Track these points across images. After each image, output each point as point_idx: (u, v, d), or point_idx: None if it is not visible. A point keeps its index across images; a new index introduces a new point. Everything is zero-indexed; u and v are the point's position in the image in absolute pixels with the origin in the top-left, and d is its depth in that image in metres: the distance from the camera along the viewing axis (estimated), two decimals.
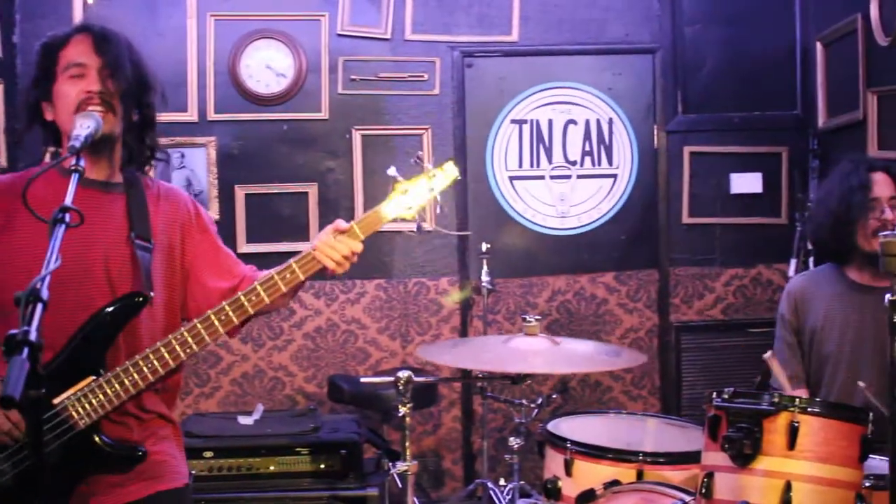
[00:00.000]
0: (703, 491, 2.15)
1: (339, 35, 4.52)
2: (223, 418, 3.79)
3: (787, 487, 2.04)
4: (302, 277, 2.18)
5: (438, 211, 2.60)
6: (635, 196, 4.74)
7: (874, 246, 2.36)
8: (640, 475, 2.58)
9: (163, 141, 4.03)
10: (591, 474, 2.62)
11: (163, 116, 4.12)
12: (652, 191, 4.75)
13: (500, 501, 3.98)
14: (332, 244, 2.16)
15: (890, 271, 1.92)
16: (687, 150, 4.70)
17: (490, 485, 4.07)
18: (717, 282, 4.75)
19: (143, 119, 2.23)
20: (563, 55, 4.67)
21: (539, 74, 4.68)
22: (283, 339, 4.56)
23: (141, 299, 2.06)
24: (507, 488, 3.98)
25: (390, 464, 2.77)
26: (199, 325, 2.09)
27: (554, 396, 4.26)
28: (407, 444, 2.64)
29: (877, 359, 2.89)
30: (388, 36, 4.55)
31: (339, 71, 4.53)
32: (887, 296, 1.91)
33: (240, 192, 4.49)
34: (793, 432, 2.06)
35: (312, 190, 4.52)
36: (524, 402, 3.81)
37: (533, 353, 2.66)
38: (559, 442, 2.72)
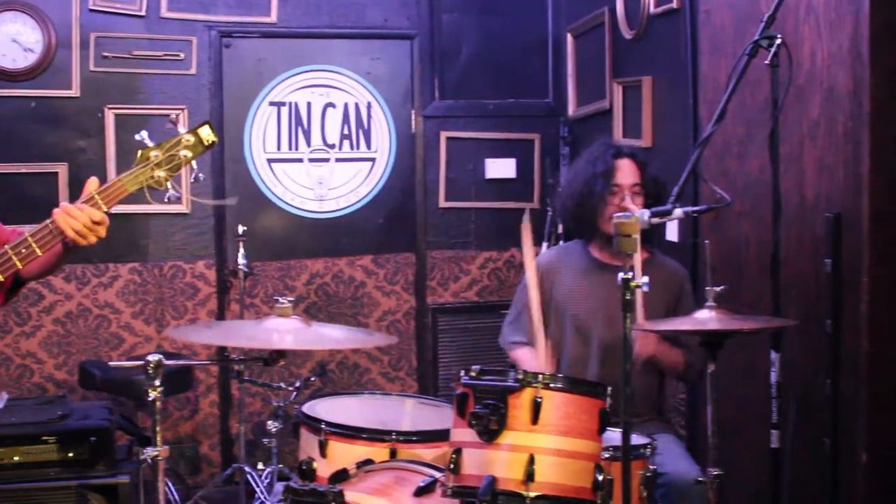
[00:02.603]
0: (452, 467, 2.65)
1: (92, 10, 5.27)
2: None
3: (531, 460, 2.55)
4: (39, 252, 2.46)
5: (193, 179, 2.77)
6: (393, 180, 5.82)
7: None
8: (393, 454, 3.11)
9: None
10: (346, 454, 3.12)
11: None
12: (409, 175, 5.83)
13: (257, 485, 4.79)
14: (71, 211, 2.46)
15: (623, 251, 2.52)
16: (444, 135, 5.81)
17: (247, 469, 4.98)
18: (473, 265, 5.95)
19: None
20: (322, 38, 5.66)
21: (298, 57, 5.64)
22: (31, 325, 5.33)
23: None
24: (266, 472, 4.89)
25: (142, 450, 3.14)
26: None
27: (312, 379, 5.24)
28: (157, 429, 3.04)
29: (610, 333, 3.56)
30: (142, 13, 5.35)
31: (91, 47, 5.29)
32: (620, 274, 2.52)
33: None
34: (536, 407, 2.58)
35: (62, 170, 5.29)
36: (282, 385, 4.81)
37: (285, 332, 3.24)
38: (313, 423, 3.23)
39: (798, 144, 3.67)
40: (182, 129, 2.61)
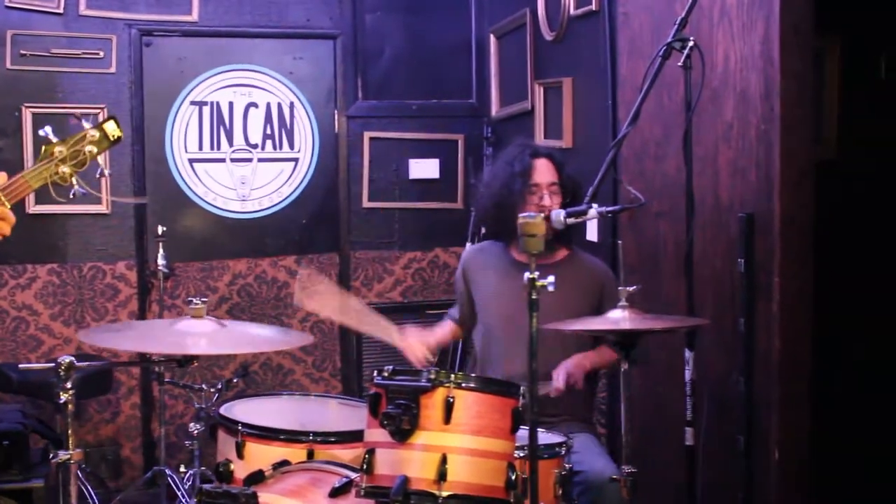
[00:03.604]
0: (365, 467, 2.66)
1: (8, 7, 5.20)
2: None
3: (443, 460, 2.57)
4: None
5: (98, 175, 2.73)
6: (316, 180, 5.80)
7: None
8: (311, 455, 3.11)
9: None
10: (263, 456, 3.13)
11: None
12: (333, 175, 5.81)
13: (178, 488, 4.83)
14: None
15: (527, 251, 2.52)
16: (367, 135, 5.80)
17: (168, 472, 4.96)
18: (397, 265, 5.95)
19: None
20: (244, 37, 5.63)
21: (219, 56, 5.61)
22: None
23: None
24: (188, 474, 4.90)
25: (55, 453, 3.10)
26: None
27: (235, 381, 5.24)
28: (70, 431, 3.07)
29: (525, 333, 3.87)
30: (60, 10, 5.28)
31: (8, 45, 5.22)
32: (526, 274, 2.47)
33: None
34: (448, 407, 2.60)
35: None
36: (204, 386, 4.79)
37: (199, 334, 3.28)
38: (230, 424, 3.24)
39: (713, 146, 3.73)
40: (87, 124, 2.59)
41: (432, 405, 2.64)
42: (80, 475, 4.72)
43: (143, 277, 5.50)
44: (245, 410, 3.48)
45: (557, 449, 3.13)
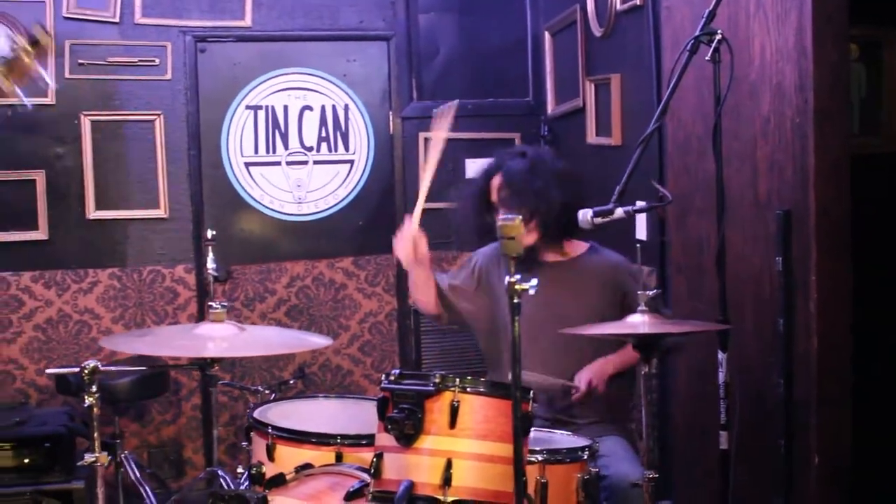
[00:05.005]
0: (373, 471, 2.64)
1: (66, 18, 5.30)
2: None
3: (448, 465, 2.54)
4: None
5: (44, 85, 2.96)
6: (372, 181, 5.80)
7: None
8: (339, 458, 3.08)
9: None
10: (293, 458, 3.10)
11: None
12: (388, 176, 5.81)
13: (231, 488, 4.94)
14: None
15: (507, 254, 2.46)
16: (422, 135, 5.77)
17: (221, 472, 5.04)
18: (454, 265, 5.92)
19: None
20: (297, 41, 5.65)
21: (273, 60, 5.64)
22: (11, 332, 5.36)
23: None
24: (245, 475, 4.98)
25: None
26: None
27: (292, 382, 5.30)
28: (95, 435, 3.10)
29: (552, 331, 3.51)
30: (116, 19, 5.36)
31: (66, 55, 5.31)
32: (506, 278, 2.40)
33: None
34: (453, 411, 2.57)
35: (40, 177, 5.33)
36: (260, 388, 4.84)
37: (219, 338, 3.32)
38: (262, 427, 3.26)
39: (751, 141, 3.64)
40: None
41: (437, 409, 2.61)
42: (139, 475, 4.83)
43: (201, 280, 5.54)
44: (280, 413, 3.49)
45: (580, 453, 3.05)
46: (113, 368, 3.51)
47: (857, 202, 3.31)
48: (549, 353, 3.63)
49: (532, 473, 2.82)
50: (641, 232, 4.56)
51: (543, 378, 3.44)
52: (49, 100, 5.35)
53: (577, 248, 3.83)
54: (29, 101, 2.78)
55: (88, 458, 3.17)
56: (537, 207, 3.63)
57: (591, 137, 5.12)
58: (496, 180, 3.75)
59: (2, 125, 5.33)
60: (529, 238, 3.61)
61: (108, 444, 4.30)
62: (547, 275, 3.47)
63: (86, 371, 3.14)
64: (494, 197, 3.74)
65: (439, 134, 3.74)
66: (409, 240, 3.71)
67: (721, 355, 3.26)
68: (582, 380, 3.52)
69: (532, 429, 2.85)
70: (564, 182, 3.72)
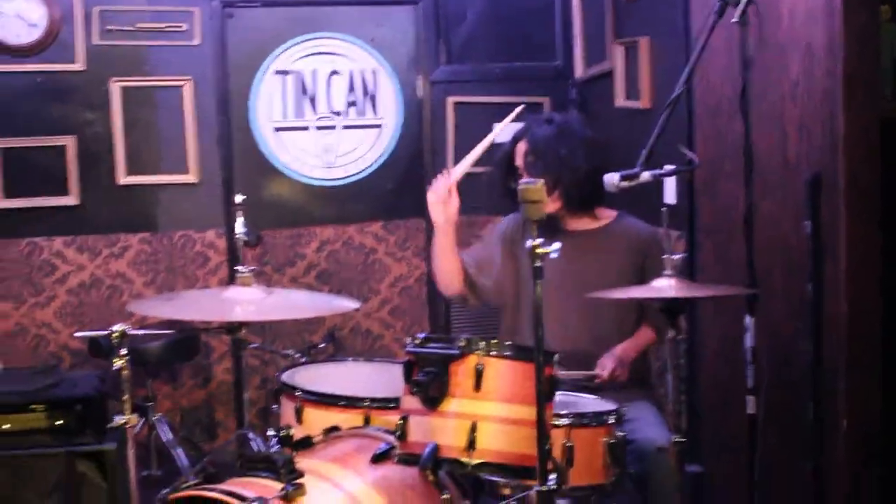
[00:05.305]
0: (399, 434, 2.67)
1: None
2: None
3: (473, 427, 2.56)
4: None
5: None
6: (401, 146, 5.79)
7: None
8: (367, 421, 3.12)
9: None
10: (321, 421, 3.15)
11: None
12: (417, 140, 5.79)
13: (261, 451, 4.97)
14: None
15: (529, 217, 2.47)
16: (451, 99, 5.75)
17: (251, 435, 5.08)
18: (484, 229, 5.92)
19: None
20: (325, 5, 5.64)
21: (301, 25, 5.62)
22: (45, 296, 5.43)
23: None
24: (275, 438, 5.02)
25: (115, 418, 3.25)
26: None
27: (322, 346, 5.33)
28: (125, 398, 3.18)
29: (577, 298, 3.57)
30: None
31: (95, 21, 5.32)
32: (528, 241, 2.46)
33: None
34: (478, 375, 2.58)
35: (71, 143, 5.35)
36: (291, 352, 4.87)
37: (246, 302, 3.39)
38: (290, 390, 3.30)
39: (779, 104, 3.61)
40: None
41: (462, 372, 2.62)
42: (171, 437, 4.89)
43: (231, 245, 5.57)
44: (309, 376, 3.51)
45: (606, 417, 3.05)
46: (142, 332, 3.55)
47: (887, 166, 3.27)
48: (575, 321, 3.65)
49: (558, 437, 2.82)
50: (670, 196, 4.53)
51: (566, 373, 3.42)
52: (79, 66, 5.36)
53: (606, 216, 3.83)
54: None
55: (118, 419, 3.22)
56: (561, 175, 3.62)
57: (620, 101, 5.08)
58: (522, 146, 3.76)
59: (32, 91, 5.36)
60: (553, 206, 3.61)
61: (139, 406, 4.37)
62: (574, 243, 3.50)
63: (114, 334, 3.15)
64: (519, 162, 3.76)
65: (504, 124, 3.78)
66: (442, 195, 3.71)
67: (748, 320, 3.25)
68: (606, 367, 3.52)
69: (559, 392, 2.84)
70: (591, 150, 3.71)
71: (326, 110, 5.72)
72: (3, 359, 5.12)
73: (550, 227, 3.67)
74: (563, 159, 3.65)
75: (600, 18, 5.27)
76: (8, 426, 4.16)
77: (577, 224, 3.80)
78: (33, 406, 4.18)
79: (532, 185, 2.43)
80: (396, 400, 3.05)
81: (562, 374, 3.28)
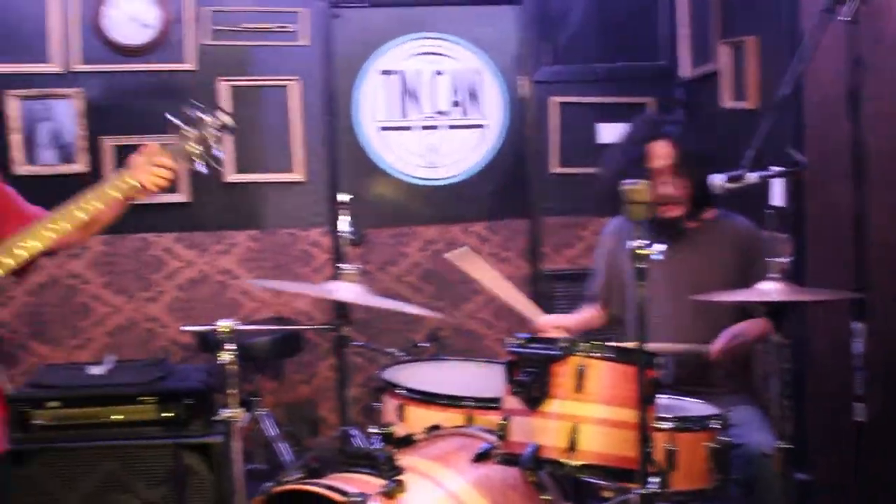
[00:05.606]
0: (501, 434, 2.73)
1: None
2: (72, 369, 4.64)
3: (575, 429, 2.59)
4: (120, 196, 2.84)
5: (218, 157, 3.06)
6: (505, 146, 5.79)
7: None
8: (470, 420, 3.16)
9: (26, 92, 5.11)
10: (423, 420, 3.20)
11: (24, 67, 5.19)
12: (521, 141, 5.78)
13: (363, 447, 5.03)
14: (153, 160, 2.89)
15: (634, 219, 2.48)
16: (555, 100, 5.73)
17: (353, 431, 5.12)
18: (587, 230, 5.90)
19: None
20: (431, 6, 5.68)
21: (406, 25, 5.67)
22: (155, 291, 5.55)
23: None
24: (376, 435, 5.06)
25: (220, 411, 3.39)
26: None
27: (424, 345, 5.35)
28: (231, 391, 3.27)
29: (675, 304, 3.59)
30: None
31: (205, 21, 5.44)
32: (629, 243, 2.49)
33: (108, 144, 5.47)
34: (580, 376, 2.61)
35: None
36: (394, 351, 4.91)
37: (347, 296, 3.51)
38: (393, 388, 3.37)
39: (893, 104, 3.51)
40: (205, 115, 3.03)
41: (564, 373, 2.64)
42: (276, 432, 4.95)
43: (335, 243, 5.63)
44: (412, 375, 3.57)
45: (710, 421, 3.01)
46: (248, 327, 3.62)
47: None
48: (681, 318, 3.63)
49: (660, 440, 2.78)
50: (777, 198, 4.43)
51: (674, 346, 3.39)
52: (190, 65, 5.47)
53: (708, 213, 3.77)
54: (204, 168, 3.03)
55: (225, 413, 3.33)
56: (702, 176, 3.56)
57: (727, 101, 5.01)
58: (661, 148, 3.67)
59: (143, 91, 5.47)
60: (678, 209, 3.64)
61: (245, 401, 4.43)
62: (684, 240, 3.56)
63: (222, 329, 3.21)
64: (658, 163, 3.66)
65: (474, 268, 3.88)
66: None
67: (857, 325, 3.17)
68: (717, 342, 3.47)
69: (662, 395, 2.81)
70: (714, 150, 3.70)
71: (430, 110, 5.74)
72: (114, 351, 5.25)
73: (669, 227, 3.68)
74: (707, 160, 3.58)
75: (706, 18, 5.20)
76: (119, 417, 4.27)
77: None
78: (143, 398, 4.29)
79: (636, 186, 2.42)
80: (498, 400, 3.04)
81: (669, 346, 3.31)
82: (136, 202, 3.02)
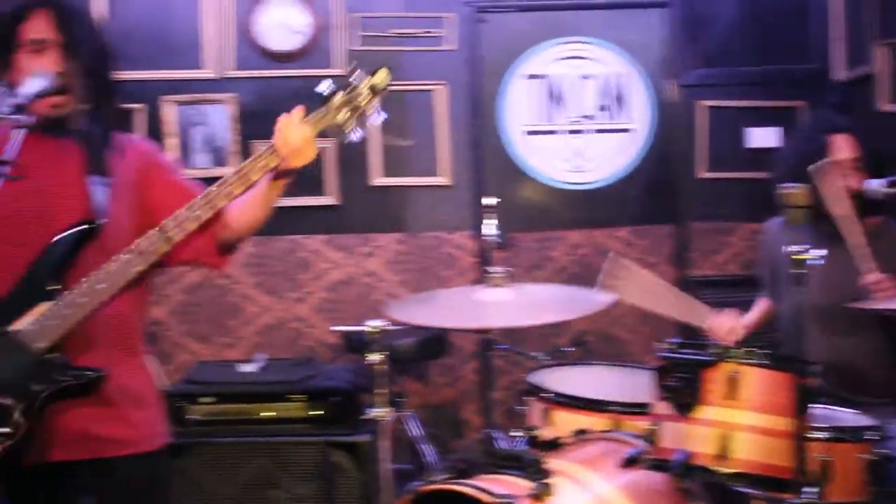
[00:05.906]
0: (650, 439, 2.71)
1: None
2: (225, 366, 4.78)
3: (727, 436, 2.56)
4: (272, 164, 2.81)
5: (381, 121, 2.98)
6: (651, 150, 5.74)
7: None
8: (617, 425, 3.14)
9: (181, 98, 5.26)
10: (569, 423, 3.21)
11: (180, 74, 5.35)
12: (668, 145, 5.72)
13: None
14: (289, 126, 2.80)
15: (792, 222, 2.45)
16: (703, 103, 5.65)
17: (497, 434, 5.14)
18: (734, 236, 5.80)
19: (103, 93, 2.73)
20: (577, 10, 5.67)
21: (552, 29, 5.66)
22: (303, 292, 5.67)
23: (90, 226, 2.53)
24: (521, 438, 5.06)
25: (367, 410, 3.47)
26: (154, 235, 2.61)
27: (569, 349, 5.32)
28: (380, 391, 3.33)
29: (827, 299, 3.46)
30: None
31: (353, 27, 5.54)
32: (784, 248, 2.48)
33: (259, 148, 5.58)
34: (732, 383, 2.57)
35: (330, 146, 5.60)
36: (538, 355, 4.91)
37: (495, 305, 3.47)
38: (539, 392, 3.37)
39: None
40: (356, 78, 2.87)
41: (715, 380, 2.60)
42: (422, 433, 5.00)
43: (481, 247, 5.65)
44: (557, 379, 3.55)
45: (866, 433, 2.92)
46: (395, 328, 3.66)
47: None
48: (818, 320, 3.50)
49: (814, 450, 2.71)
50: None
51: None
52: (338, 70, 5.55)
53: (869, 221, 3.65)
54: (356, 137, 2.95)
55: (373, 412, 3.39)
56: (879, 175, 3.46)
57: (884, 104, 4.87)
58: (844, 141, 3.60)
59: (293, 96, 5.45)
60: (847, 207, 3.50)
61: (391, 401, 4.48)
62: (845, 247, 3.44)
63: (371, 330, 3.24)
64: (841, 155, 3.56)
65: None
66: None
67: None
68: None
69: (816, 405, 2.74)
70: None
71: (577, 114, 5.72)
72: (262, 350, 5.36)
73: (828, 232, 3.55)
74: (886, 161, 3.53)
75: (861, 18, 5.06)
76: (270, 414, 4.39)
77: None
78: (293, 396, 4.39)
79: (795, 190, 2.36)
80: (645, 405, 3.02)
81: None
82: (286, 185, 2.96)
